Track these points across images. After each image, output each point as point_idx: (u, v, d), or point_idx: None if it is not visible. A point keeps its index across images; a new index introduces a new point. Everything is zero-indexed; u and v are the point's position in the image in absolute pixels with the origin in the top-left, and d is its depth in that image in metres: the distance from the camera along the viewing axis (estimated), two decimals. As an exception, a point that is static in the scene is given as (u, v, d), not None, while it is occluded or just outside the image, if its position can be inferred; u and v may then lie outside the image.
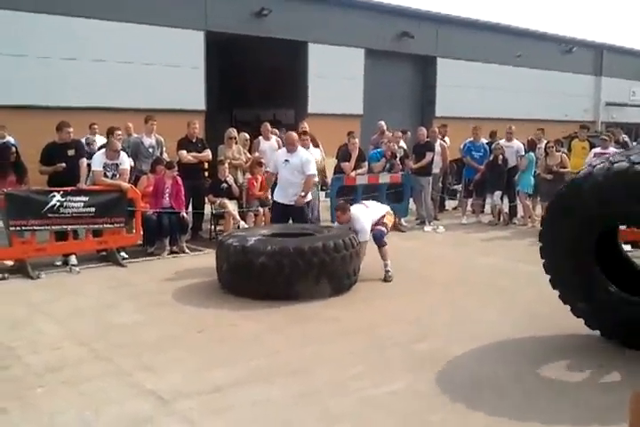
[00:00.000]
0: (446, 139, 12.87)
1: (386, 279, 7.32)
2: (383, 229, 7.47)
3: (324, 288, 6.48)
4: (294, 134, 8.29)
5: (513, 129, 12.17)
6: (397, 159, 11.13)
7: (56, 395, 4.14)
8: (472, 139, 12.32)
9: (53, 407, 3.96)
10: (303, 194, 7.97)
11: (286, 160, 8.01)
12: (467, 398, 4.10)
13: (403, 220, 11.27)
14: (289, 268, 6.27)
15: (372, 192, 10.90)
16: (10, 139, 10.29)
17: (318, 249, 6.36)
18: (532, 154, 11.42)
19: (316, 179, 10.30)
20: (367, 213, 7.41)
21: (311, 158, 8.24)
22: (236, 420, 3.82)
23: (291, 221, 8.01)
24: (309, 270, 6.34)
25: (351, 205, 7.64)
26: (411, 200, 11.52)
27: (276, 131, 11.72)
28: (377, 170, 10.98)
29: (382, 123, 12.24)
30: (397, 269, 7.42)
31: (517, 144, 11.92)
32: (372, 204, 7.92)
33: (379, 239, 7.41)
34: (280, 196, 8.13)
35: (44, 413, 3.89)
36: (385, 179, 10.89)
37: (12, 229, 7.39)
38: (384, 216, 7.57)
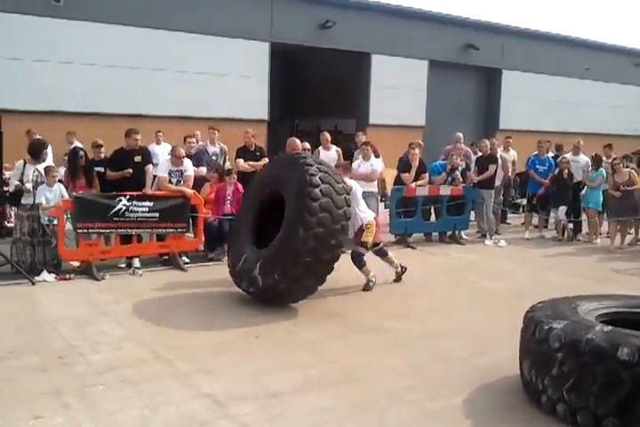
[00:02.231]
0: (512, 151, 12.63)
1: (365, 288, 7.24)
2: (362, 251, 7.23)
3: None
4: (296, 140, 7.90)
5: (581, 143, 11.86)
6: (459, 173, 10.97)
7: (116, 393, 4.23)
8: (537, 152, 12.06)
9: (113, 405, 4.03)
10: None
11: None
12: (528, 415, 3.97)
13: (463, 233, 11.10)
14: None
15: (432, 204, 10.81)
16: (78, 144, 10.64)
17: None
18: (602, 169, 11.06)
19: (375, 189, 10.31)
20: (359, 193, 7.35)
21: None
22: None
23: None
24: None
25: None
26: (472, 213, 11.34)
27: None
28: (437, 183, 10.86)
29: (460, 134, 12.04)
30: (458, 283, 7.31)
31: (585, 159, 11.60)
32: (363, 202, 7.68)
33: (357, 260, 7.22)
34: None
35: (104, 410, 3.97)
36: (446, 191, 10.76)
37: (79, 231, 7.63)
38: (363, 229, 7.17)
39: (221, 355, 5.04)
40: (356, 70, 18.82)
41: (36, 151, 7.90)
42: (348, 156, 11.39)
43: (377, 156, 10.55)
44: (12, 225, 8.67)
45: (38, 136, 9.60)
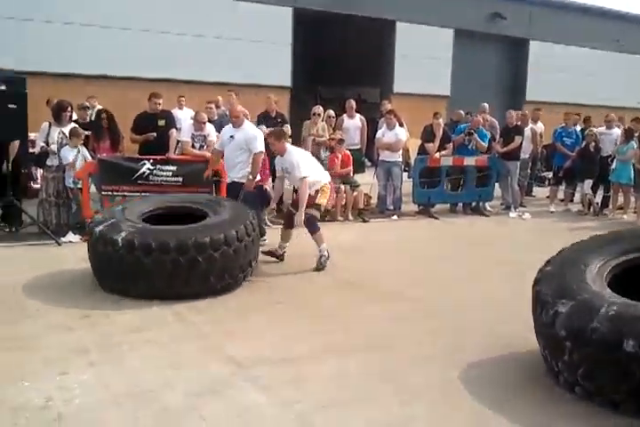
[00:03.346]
0: (539, 124, 12.42)
1: (318, 267, 6.54)
2: (314, 212, 6.67)
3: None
4: (239, 107, 7.53)
5: (613, 116, 11.62)
6: (475, 136, 10.72)
7: (140, 353, 4.27)
8: (564, 124, 11.84)
9: (137, 364, 4.08)
10: (251, 177, 6.94)
11: (231, 136, 7.06)
12: (546, 388, 3.94)
13: (487, 204, 11.00)
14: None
15: (456, 174, 10.71)
16: (99, 107, 10.61)
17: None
18: (633, 143, 10.80)
19: (399, 159, 10.21)
20: (306, 157, 6.84)
21: (258, 134, 7.18)
22: (311, 391, 3.82)
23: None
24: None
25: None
26: (497, 185, 11.21)
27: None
28: (457, 143, 10.68)
29: (485, 105, 11.83)
30: (482, 254, 7.25)
31: (617, 132, 11.35)
32: (316, 162, 7.24)
33: (311, 224, 6.59)
34: (231, 175, 7.23)
35: (128, 368, 4.02)
36: (470, 161, 10.62)
37: (103, 193, 7.66)
38: (318, 191, 6.72)
39: (243, 319, 5.07)
40: (381, 38, 18.51)
41: (57, 113, 7.90)
42: (372, 124, 11.29)
43: (401, 125, 10.43)
44: (38, 186, 8.72)
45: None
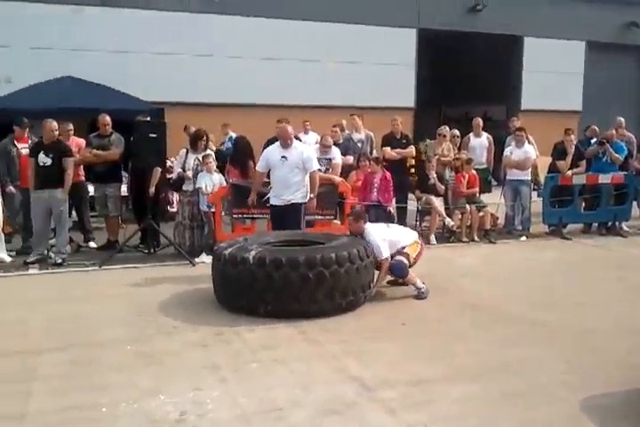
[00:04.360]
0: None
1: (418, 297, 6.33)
2: (403, 259, 6.30)
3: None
4: (288, 127, 7.30)
5: None
6: (607, 146, 10.17)
7: (268, 371, 4.41)
8: None
9: (266, 382, 4.21)
10: (312, 196, 7.09)
11: (283, 157, 7.04)
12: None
13: (624, 224, 10.39)
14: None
15: (590, 193, 10.21)
16: (232, 134, 11.14)
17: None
18: None
19: (528, 177, 9.89)
20: (384, 232, 6.43)
21: (311, 152, 7.28)
22: (437, 415, 3.77)
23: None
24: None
25: None
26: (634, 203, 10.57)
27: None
28: (590, 155, 10.20)
29: (621, 119, 11.27)
30: (618, 277, 6.85)
31: None
32: (396, 227, 6.98)
33: (398, 271, 6.31)
34: (277, 198, 7.21)
35: (257, 386, 4.16)
36: (605, 179, 10.09)
37: (234, 216, 8.03)
38: (407, 246, 6.42)
39: (368, 339, 5.10)
40: (507, 54, 18.12)
41: (194, 141, 8.40)
42: (499, 143, 11.06)
43: (529, 142, 10.14)
44: (175, 210, 9.28)
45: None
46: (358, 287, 5.80)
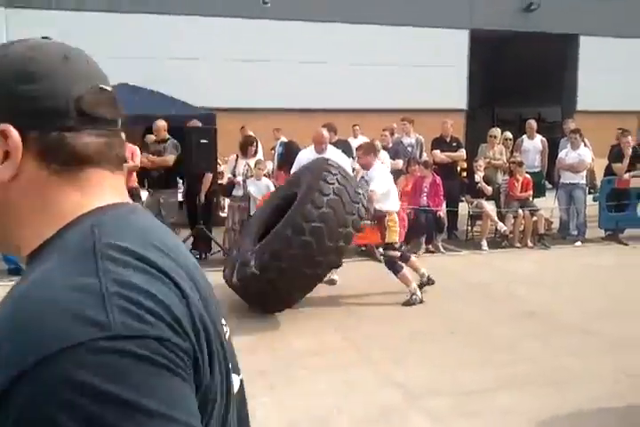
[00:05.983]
0: None
1: (406, 303, 6.16)
2: (392, 253, 6.23)
3: None
4: (323, 132, 7.14)
5: None
6: None
7: (315, 377, 4.45)
8: None
9: (312, 388, 4.25)
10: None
11: None
12: None
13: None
14: None
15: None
16: (283, 139, 11.23)
17: None
18: None
19: (583, 180, 9.64)
20: (388, 180, 6.42)
21: (344, 160, 6.98)
22: (485, 426, 3.73)
23: None
24: None
25: None
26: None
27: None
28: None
29: None
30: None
31: None
32: (394, 189, 6.72)
33: (391, 266, 6.22)
34: None
35: (303, 391, 4.19)
36: (665, 182, 9.76)
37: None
38: (385, 227, 6.27)
39: (414, 346, 5.08)
40: (561, 54, 17.70)
41: (244, 147, 8.51)
42: (554, 145, 10.83)
43: (585, 145, 9.89)
44: (225, 215, 9.41)
45: (250, 132, 10.25)
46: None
